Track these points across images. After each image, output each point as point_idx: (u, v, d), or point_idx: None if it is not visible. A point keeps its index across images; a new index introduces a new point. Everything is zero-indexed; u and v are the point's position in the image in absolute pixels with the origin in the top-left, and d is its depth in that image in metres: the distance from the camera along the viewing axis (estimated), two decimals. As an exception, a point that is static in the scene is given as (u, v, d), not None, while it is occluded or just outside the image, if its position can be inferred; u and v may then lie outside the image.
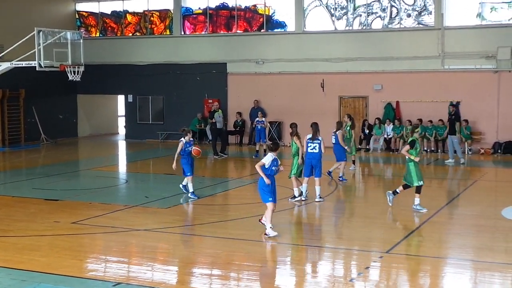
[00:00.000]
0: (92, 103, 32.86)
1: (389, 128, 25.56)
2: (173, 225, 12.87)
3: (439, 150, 24.91)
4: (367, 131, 25.84)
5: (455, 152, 22.19)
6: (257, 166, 11.73)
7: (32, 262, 10.26)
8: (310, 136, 15.08)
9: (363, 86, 26.43)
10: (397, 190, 14.32)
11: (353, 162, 20.57)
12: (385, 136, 25.64)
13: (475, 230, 12.60)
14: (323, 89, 26.94)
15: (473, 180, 18.89)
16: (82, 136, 32.29)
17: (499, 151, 24.22)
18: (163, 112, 30.41)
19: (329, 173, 18.21)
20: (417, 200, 13.96)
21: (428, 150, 25.09)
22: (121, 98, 33.23)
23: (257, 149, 24.13)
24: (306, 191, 15.18)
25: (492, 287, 9.26)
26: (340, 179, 18.03)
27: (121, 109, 34.26)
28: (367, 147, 25.69)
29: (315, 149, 14.99)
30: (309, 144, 15.03)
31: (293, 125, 15.69)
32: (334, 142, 18.28)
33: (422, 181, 13.98)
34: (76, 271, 9.82)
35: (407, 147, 13.97)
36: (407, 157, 13.96)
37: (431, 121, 24.86)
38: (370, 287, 9.27)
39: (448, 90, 25.00)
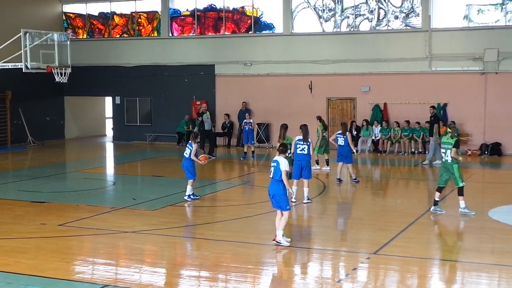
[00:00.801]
0: (79, 105, 32.71)
1: (377, 129, 25.64)
2: (161, 227, 12.81)
3: (426, 152, 24.93)
4: (355, 133, 25.88)
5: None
6: (285, 179, 11.11)
7: (18, 264, 10.18)
8: (299, 137, 15.09)
9: (351, 88, 26.49)
10: (436, 198, 13.79)
11: (317, 162, 20.77)
12: (373, 137, 25.71)
13: (462, 231, 12.66)
14: (311, 91, 26.99)
15: (460, 181, 18.93)
16: (69, 138, 32.12)
17: (486, 152, 24.36)
18: (150, 114, 30.32)
19: (354, 179, 18.27)
20: (462, 203, 13.53)
21: (416, 151, 25.17)
22: (108, 100, 33.13)
23: (245, 150, 24.10)
24: (296, 193, 15.15)
25: (479, 288, 9.32)
26: (338, 180, 18.25)
27: (108, 111, 34.14)
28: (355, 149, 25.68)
29: (304, 151, 14.97)
30: (298, 146, 15.03)
31: (282, 127, 15.56)
32: (341, 144, 18.23)
33: (464, 182, 13.63)
34: (63, 274, 9.78)
35: (455, 149, 13.52)
36: (450, 159, 13.59)
37: (418, 123, 24.92)
38: (357, 288, 9.29)
39: (435, 92, 25.11)
